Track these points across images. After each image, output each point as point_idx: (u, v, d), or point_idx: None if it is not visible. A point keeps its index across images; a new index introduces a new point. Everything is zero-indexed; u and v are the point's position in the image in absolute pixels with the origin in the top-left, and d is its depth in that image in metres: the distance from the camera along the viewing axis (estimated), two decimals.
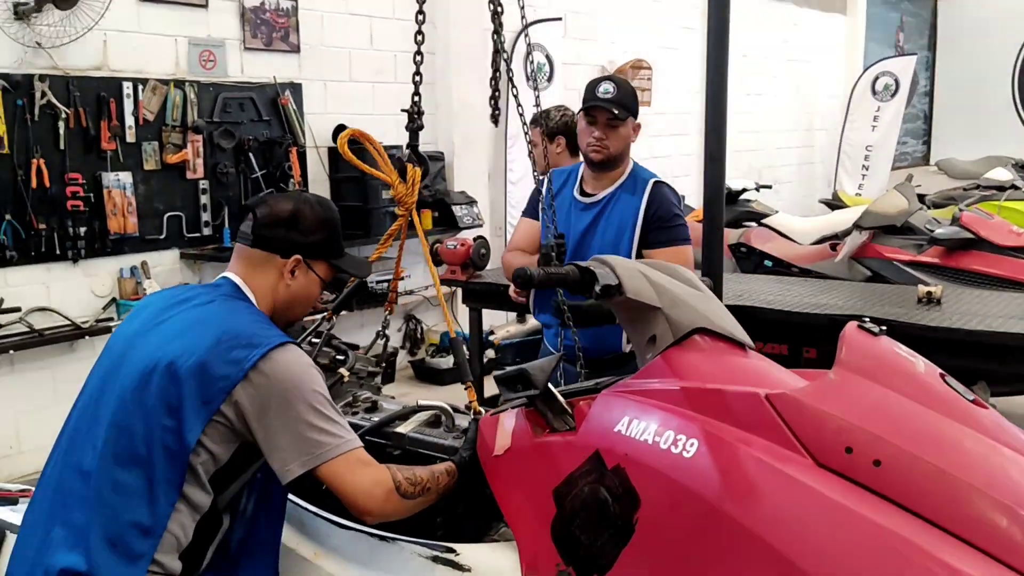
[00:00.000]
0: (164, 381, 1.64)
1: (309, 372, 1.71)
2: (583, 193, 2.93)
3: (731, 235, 6.15)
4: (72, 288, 4.83)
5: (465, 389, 2.09)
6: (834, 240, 5.88)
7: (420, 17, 2.32)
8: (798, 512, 1.32)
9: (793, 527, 1.30)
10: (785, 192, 11.33)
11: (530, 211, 3.09)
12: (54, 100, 4.62)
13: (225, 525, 1.75)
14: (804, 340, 4.02)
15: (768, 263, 5.98)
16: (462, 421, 2.07)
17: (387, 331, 2.56)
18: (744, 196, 7.16)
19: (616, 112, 2.78)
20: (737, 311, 3.76)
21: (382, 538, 1.82)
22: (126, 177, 4.98)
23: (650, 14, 8.97)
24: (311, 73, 5.92)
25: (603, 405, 1.63)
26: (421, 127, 2.40)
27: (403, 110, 2.38)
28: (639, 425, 1.53)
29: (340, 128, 5.77)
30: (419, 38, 2.29)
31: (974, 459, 1.34)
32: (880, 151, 11.21)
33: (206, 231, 5.38)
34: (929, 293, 3.82)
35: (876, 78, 11.18)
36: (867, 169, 11.22)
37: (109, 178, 4.90)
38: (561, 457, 1.64)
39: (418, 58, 2.30)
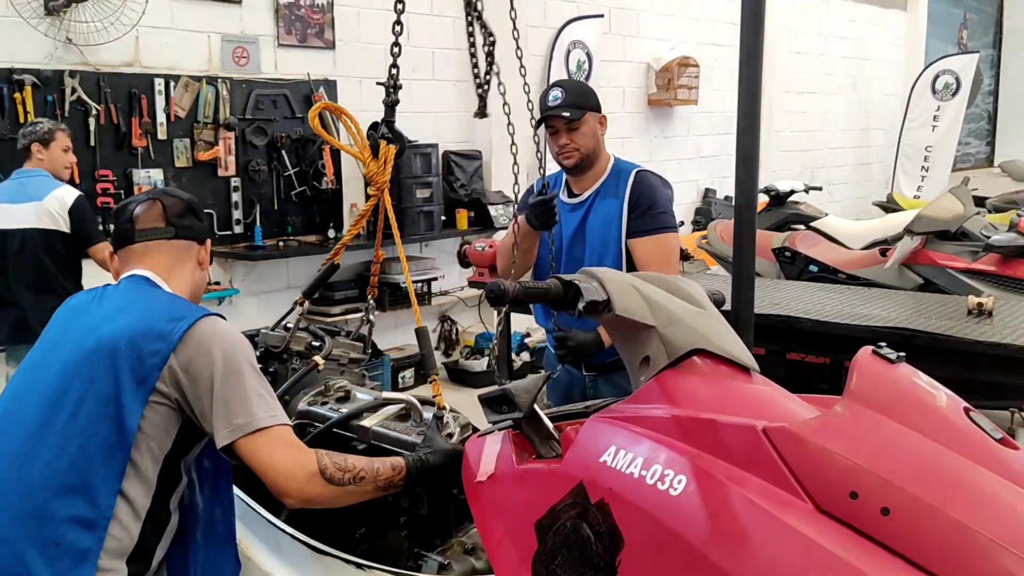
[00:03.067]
0: (95, 371, 1.61)
1: (239, 342, 1.69)
2: (570, 195, 2.93)
3: (776, 239, 5.91)
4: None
5: (429, 382, 2.00)
6: (884, 245, 5.60)
7: None
8: (792, 564, 1.16)
9: None
10: (839, 194, 11.01)
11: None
12: (85, 96, 4.61)
13: (173, 523, 1.69)
14: (846, 352, 3.81)
15: (814, 268, 5.72)
16: (430, 415, 1.97)
17: (372, 315, 2.55)
18: (792, 198, 6.91)
19: (569, 115, 2.76)
20: (773, 320, 3.67)
21: (359, 566, 1.71)
22: (157, 174, 4.97)
23: (697, 10, 8.75)
24: (346, 70, 5.85)
25: (590, 432, 1.48)
26: (397, 101, 2.33)
27: (378, 83, 2.32)
28: (626, 456, 1.39)
29: (375, 126, 5.68)
30: (399, 7, 2.23)
31: (998, 509, 1.17)
32: (940, 152, 10.80)
33: (237, 229, 5.36)
34: (980, 304, 3.59)
35: (936, 76, 10.78)
36: (926, 171, 10.82)
37: (140, 175, 4.89)
38: (544, 487, 1.50)
39: (398, 28, 2.24)
